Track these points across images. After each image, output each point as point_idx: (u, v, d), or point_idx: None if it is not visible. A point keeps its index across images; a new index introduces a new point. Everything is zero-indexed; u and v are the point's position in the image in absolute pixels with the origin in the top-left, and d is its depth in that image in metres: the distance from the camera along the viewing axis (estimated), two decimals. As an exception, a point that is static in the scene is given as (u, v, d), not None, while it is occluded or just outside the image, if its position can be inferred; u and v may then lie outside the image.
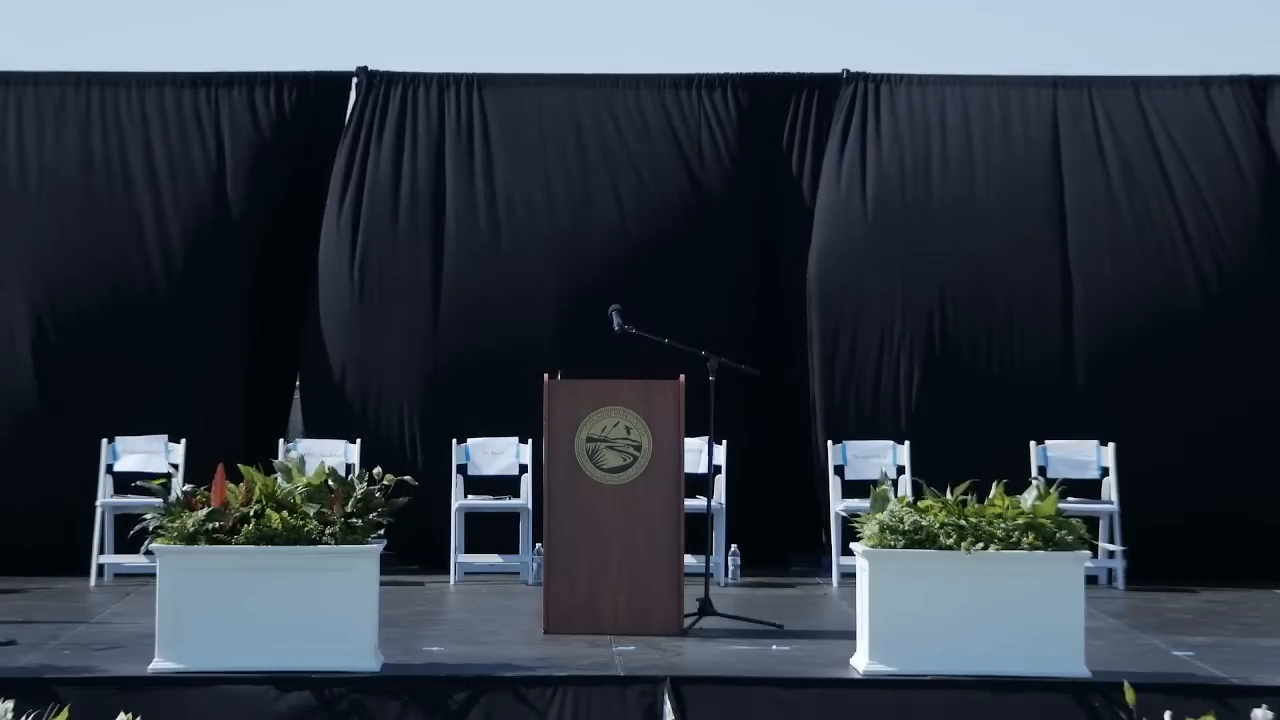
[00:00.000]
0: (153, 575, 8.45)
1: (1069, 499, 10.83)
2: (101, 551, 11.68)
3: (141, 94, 12.64)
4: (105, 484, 11.74)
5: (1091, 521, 10.37)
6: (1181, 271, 12.33)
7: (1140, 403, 12.17)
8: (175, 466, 11.57)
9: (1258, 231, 12.38)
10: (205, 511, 8.31)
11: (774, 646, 9.23)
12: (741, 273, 12.65)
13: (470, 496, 11.90)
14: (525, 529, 11.82)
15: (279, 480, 8.52)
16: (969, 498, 8.44)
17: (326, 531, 8.29)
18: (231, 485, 8.42)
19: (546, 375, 9.78)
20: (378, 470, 8.57)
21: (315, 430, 12.36)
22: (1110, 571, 11.79)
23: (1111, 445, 11.85)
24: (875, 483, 8.74)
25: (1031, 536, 8.27)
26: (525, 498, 11.81)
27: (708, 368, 9.89)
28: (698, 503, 10.43)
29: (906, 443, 12.01)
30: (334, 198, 12.57)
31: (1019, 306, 12.37)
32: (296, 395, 12.89)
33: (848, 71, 12.79)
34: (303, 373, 12.69)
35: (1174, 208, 12.40)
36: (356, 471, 10.44)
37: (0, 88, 12.60)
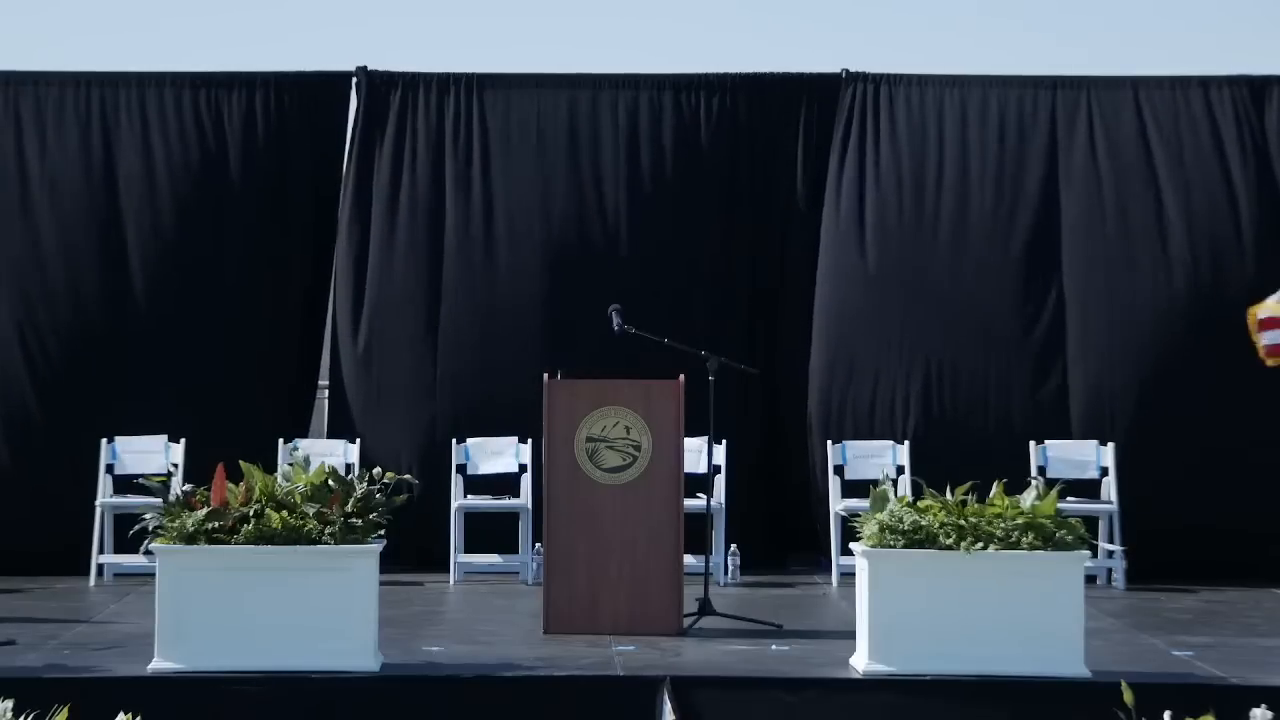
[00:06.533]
0: (152, 575, 8.46)
1: (1069, 499, 10.83)
2: (101, 551, 11.67)
3: (141, 94, 12.63)
4: (105, 484, 11.74)
5: (1091, 521, 10.39)
6: (1180, 273, 12.32)
7: (1139, 407, 12.16)
8: (175, 466, 11.57)
9: (1256, 233, 12.37)
10: (205, 511, 8.31)
11: (774, 646, 9.23)
12: (741, 273, 12.64)
13: (470, 496, 11.90)
14: (525, 529, 11.81)
15: (278, 480, 8.52)
16: (969, 498, 8.44)
17: (326, 531, 8.29)
18: (231, 485, 8.42)
19: (546, 375, 9.77)
20: (378, 470, 8.57)
21: (317, 431, 12.35)
22: (1110, 571, 11.80)
23: (1111, 445, 11.87)
24: (875, 483, 8.74)
25: (1031, 536, 8.27)
26: (525, 498, 11.81)
27: (707, 368, 9.88)
28: (698, 503, 10.43)
29: (906, 442, 12.02)
30: (344, 205, 12.58)
31: (1017, 309, 12.37)
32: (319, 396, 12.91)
33: (847, 72, 12.78)
34: (307, 373, 12.72)
35: (1172, 208, 12.39)
36: (356, 471, 10.44)
37: (0, 88, 12.60)
